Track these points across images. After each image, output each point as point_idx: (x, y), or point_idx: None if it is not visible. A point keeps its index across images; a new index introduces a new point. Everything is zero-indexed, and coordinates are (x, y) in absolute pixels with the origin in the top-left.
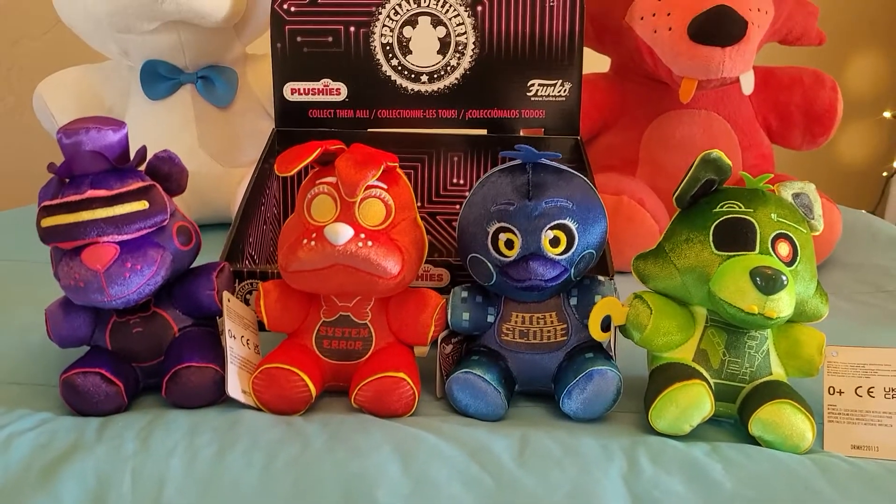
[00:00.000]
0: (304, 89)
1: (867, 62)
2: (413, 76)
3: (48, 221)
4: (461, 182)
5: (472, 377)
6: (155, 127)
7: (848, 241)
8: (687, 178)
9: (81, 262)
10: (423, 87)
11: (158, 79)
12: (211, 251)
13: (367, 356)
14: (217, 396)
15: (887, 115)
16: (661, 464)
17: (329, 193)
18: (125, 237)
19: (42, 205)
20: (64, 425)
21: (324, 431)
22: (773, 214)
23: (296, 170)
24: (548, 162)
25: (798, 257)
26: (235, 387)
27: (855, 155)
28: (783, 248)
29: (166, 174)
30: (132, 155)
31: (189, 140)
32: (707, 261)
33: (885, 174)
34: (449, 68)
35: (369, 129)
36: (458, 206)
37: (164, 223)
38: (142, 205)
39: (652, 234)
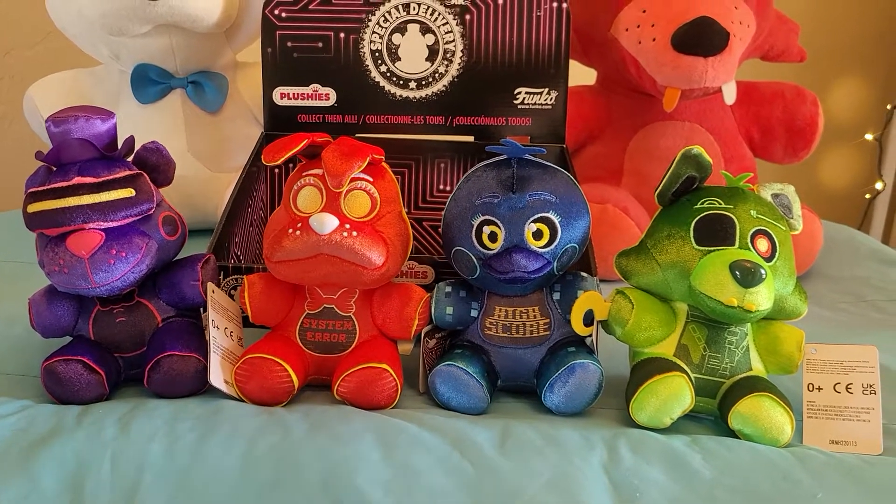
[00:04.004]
0: (294, 94)
1: (849, 86)
2: (401, 82)
3: (34, 207)
4: (447, 188)
5: (455, 370)
6: (144, 131)
7: (830, 253)
8: (668, 174)
9: (66, 249)
10: (411, 94)
11: (149, 83)
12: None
13: (350, 349)
14: (199, 386)
15: (869, 137)
16: (641, 453)
17: (315, 185)
18: (111, 224)
19: (29, 191)
20: (44, 412)
21: (305, 420)
22: (752, 211)
23: (282, 159)
24: (532, 157)
25: (777, 253)
26: (218, 376)
27: (838, 177)
28: (762, 244)
29: (154, 165)
30: (120, 145)
31: (178, 144)
32: (688, 256)
33: (867, 196)
34: (437, 75)
35: (357, 135)
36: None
37: (150, 212)
38: (128, 192)
39: (636, 242)
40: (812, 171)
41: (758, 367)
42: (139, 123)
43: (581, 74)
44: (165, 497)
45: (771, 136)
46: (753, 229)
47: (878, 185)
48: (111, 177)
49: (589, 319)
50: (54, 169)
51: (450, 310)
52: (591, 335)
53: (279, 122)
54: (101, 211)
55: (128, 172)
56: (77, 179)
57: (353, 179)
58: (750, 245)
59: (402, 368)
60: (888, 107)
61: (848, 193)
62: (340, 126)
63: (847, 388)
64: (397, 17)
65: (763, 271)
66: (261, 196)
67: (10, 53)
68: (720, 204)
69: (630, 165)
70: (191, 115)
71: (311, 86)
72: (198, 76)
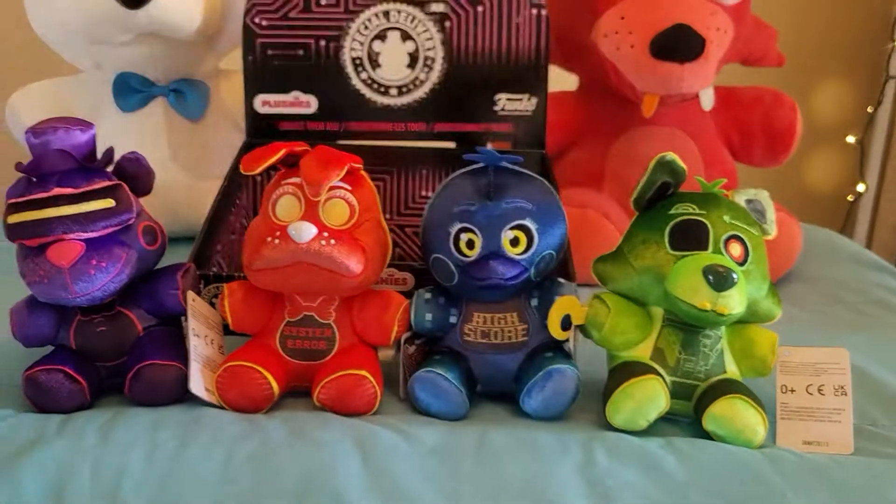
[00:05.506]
0: (275, 102)
1: (830, 89)
2: (382, 89)
3: (14, 218)
4: (429, 194)
5: (434, 376)
6: (127, 139)
7: (809, 256)
8: (643, 180)
9: (46, 259)
10: (392, 101)
11: (131, 91)
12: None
13: (330, 356)
14: (180, 394)
15: (851, 140)
16: (616, 456)
17: (294, 193)
18: (91, 235)
19: (9, 202)
20: (26, 421)
21: (284, 427)
22: (725, 216)
23: (261, 168)
24: (508, 165)
25: (749, 258)
26: (198, 384)
27: (820, 180)
28: (735, 249)
29: (133, 175)
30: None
31: (160, 152)
32: (662, 261)
33: (850, 198)
34: (418, 82)
35: (339, 142)
36: None
37: (130, 222)
38: (108, 203)
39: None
40: (795, 174)
41: (732, 370)
42: (121, 132)
43: (562, 80)
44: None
45: (750, 140)
46: (726, 234)
47: (861, 188)
48: (90, 187)
49: (566, 324)
50: (34, 180)
51: (429, 316)
52: (568, 340)
53: (261, 129)
54: (80, 221)
55: (107, 183)
56: (56, 190)
57: (331, 188)
58: (723, 250)
59: (381, 375)
60: (869, 109)
61: (831, 196)
62: (322, 133)
63: (819, 390)
64: (377, 25)
65: (735, 275)
66: (243, 204)
67: None
68: (694, 210)
69: (611, 170)
70: (173, 123)
71: (293, 93)
72: (179, 84)
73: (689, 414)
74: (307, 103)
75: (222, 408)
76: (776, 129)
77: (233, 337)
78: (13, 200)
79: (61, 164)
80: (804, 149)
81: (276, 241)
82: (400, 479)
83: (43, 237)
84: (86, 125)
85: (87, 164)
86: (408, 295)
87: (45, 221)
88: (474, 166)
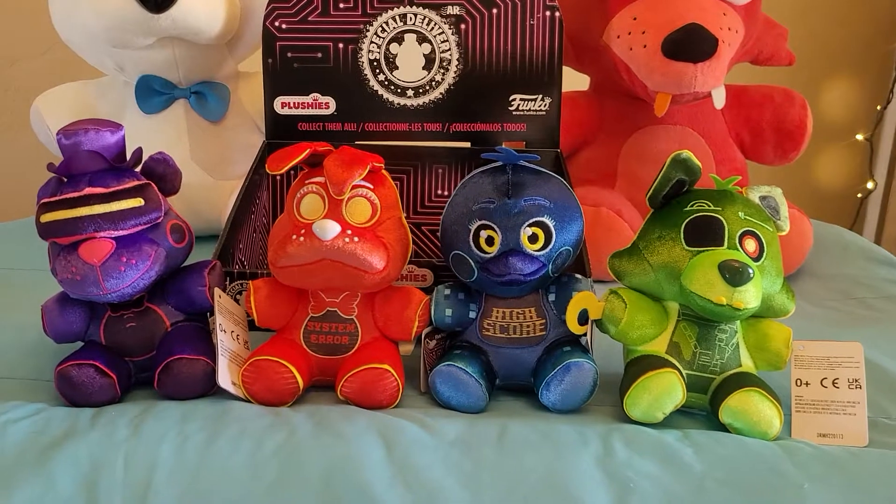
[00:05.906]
0: (294, 103)
1: (840, 87)
2: (399, 91)
3: (47, 217)
4: (445, 193)
5: (455, 370)
6: (148, 140)
7: (820, 252)
8: (659, 177)
9: (78, 257)
10: (408, 102)
11: (153, 93)
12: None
13: (353, 350)
14: (207, 388)
15: (860, 137)
16: (634, 448)
17: (318, 192)
18: (121, 233)
19: (41, 202)
20: (58, 414)
21: (310, 420)
22: (740, 213)
23: (286, 168)
24: (526, 163)
25: (764, 253)
26: (226, 378)
27: (830, 177)
28: (750, 244)
29: (161, 175)
30: (128, 156)
31: (181, 153)
32: (678, 256)
33: (859, 195)
34: (434, 83)
35: (357, 142)
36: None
37: (159, 220)
38: (137, 202)
39: (629, 243)
40: (805, 171)
41: (747, 364)
42: (143, 133)
43: (575, 80)
44: (176, 495)
45: (761, 138)
46: (741, 230)
47: (870, 185)
48: (120, 187)
49: (583, 319)
50: (65, 180)
51: (449, 311)
52: (585, 334)
53: (280, 130)
54: (111, 220)
55: (136, 182)
56: (88, 190)
57: (354, 187)
58: (738, 245)
59: (403, 369)
60: (878, 107)
61: (840, 193)
62: (340, 134)
63: (833, 383)
64: (394, 27)
65: (751, 270)
66: (263, 203)
67: (15, 65)
68: (709, 206)
69: (623, 169)
70: (194, 124)
71: (312, 95)
72: (200, 86)
73: (704, 407)
74: (326, 104)
75: (248, 401)
76: (787, 127)
77: (257, 332)
78: (46, 200)
79: (92, 164)
80: (814, 146)
81: (301, 238)
82: (423, 470)
83: (75, 235)
84: (115, 126)
85: (116, 164)
86: (427, 291)
87: (77, 220)
88: (492, 165)
